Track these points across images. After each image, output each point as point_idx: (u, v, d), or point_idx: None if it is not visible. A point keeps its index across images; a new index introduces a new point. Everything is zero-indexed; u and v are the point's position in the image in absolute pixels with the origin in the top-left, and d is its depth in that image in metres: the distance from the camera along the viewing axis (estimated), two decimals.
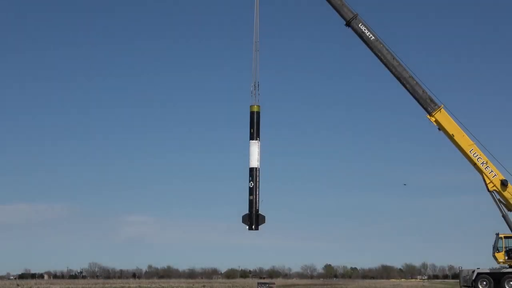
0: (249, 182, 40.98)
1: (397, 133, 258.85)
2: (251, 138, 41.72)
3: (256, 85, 42.07)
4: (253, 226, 40.77)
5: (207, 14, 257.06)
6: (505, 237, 57.51)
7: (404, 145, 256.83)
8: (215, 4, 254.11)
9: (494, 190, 50.64)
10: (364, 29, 49.56)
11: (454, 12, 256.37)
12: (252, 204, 40.77)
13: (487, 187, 50.64)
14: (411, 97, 50.45)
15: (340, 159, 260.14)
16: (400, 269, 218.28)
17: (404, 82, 50.08)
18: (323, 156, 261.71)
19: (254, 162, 41.38)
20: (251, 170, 41.22)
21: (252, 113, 41.98)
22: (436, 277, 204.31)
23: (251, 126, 41.74)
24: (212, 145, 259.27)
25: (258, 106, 42.14)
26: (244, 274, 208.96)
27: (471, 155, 50.21)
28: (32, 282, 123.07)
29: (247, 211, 41.02)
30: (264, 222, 41.03)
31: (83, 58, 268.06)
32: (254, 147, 41.58)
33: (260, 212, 41.02)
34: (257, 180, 41.07)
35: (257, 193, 40.98)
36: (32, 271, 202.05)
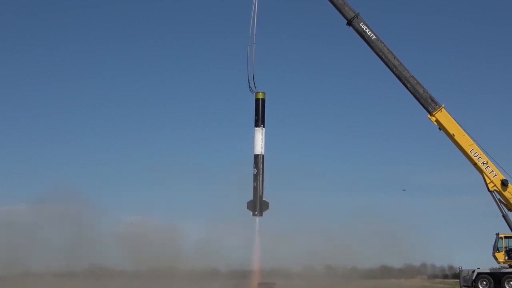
0: (253, 168, 41.19)
1: (397, 133, 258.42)
2: (256, 125, 41.85)
3: (252, 78, 42.20)
4: (257, 212, 41.03)
5: (207, 14, 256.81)
6: (505, 237, 57.39)
7: (405, 145, 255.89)
8: (215, 4, 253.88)
9: (495, 190, 50.50)
10: (365, 29, 49.55)
11: (454, 12, 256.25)
12: (256, 190, 41.00)
13: (487, 187, 50.50)
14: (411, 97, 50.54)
15: (340, 159, 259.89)
16: (400, 269, 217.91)
17: (405, 82, 50.03)
18: (322, 156, 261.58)
19: (258, 149, 41.54)
20: (256, 157, 41.40)
21: (257, 100, 42.08)
22: (436, 277, 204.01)
23: (256, 113, 41.86)
24: (212, 145, 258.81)
25: (263, 93, 42.24)
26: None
27: (471, 155, 50.12)
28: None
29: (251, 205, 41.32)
30: (268, 209, 41.26)
31: (83, 58, 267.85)
32: (258, 134, 41.71)
33: (264, 199, 41.31)
34: (261, 166, 41.27)
35: (261, 179, 41.20)
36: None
